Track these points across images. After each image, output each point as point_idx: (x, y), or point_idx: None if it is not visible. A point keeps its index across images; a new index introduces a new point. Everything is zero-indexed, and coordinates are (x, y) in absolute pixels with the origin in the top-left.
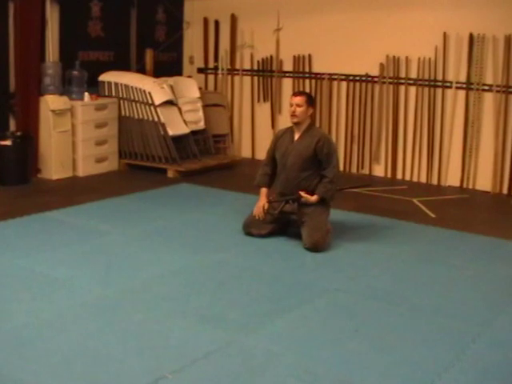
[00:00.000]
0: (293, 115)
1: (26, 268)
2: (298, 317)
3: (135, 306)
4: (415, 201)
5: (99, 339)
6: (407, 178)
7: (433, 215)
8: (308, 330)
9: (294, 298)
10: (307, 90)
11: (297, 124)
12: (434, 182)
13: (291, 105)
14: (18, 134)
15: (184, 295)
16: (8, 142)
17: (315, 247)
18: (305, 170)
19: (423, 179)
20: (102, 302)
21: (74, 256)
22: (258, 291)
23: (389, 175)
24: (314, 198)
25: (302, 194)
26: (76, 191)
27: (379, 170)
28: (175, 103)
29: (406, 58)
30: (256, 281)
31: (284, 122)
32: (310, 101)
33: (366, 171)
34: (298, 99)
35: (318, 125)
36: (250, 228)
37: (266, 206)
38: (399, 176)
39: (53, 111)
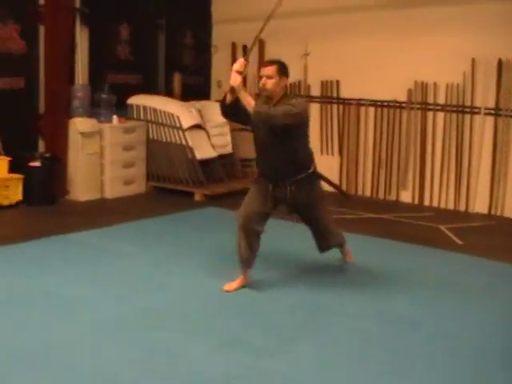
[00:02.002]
0: (263, 88)
1: (50, 288)
2: (318, 342)
3: (155, 328)
4: (442, 227)
5: (118, 360)
6: (435, 204)
7: (460, 242)
8: (328, 356)
9: (316, 323)
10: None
11: (269, 98)
12: (462, 208)
13: (260, 77)
14: (47, 155)
15: (205, 318)
16: (37, 163)
17: (331, 248)
18: (283, 146)
19: (451, 206)
20: (121, 323)
21: (96, 277)
22: (279, 316)
23: (416, 201)
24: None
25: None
26: (103, 213)
27: (406, 196)
28: (203, 127)
29: (434, 83)
30: (277, 305)
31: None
32: (283, 70)
33: (393, 197)
34: (268, 70)
35: (345, 150)
36: (249, 221)
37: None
38: (426, 202)
39: (81, 133)
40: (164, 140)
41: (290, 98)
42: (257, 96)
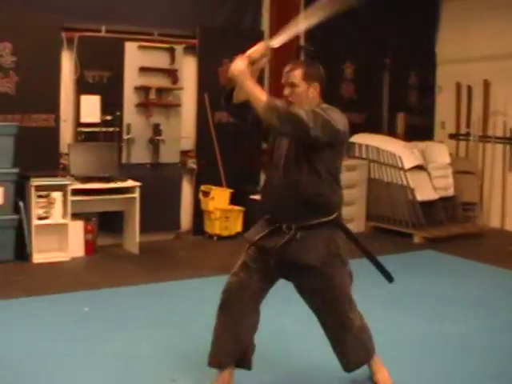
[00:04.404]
0: (286, 100)
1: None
2: None
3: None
4: None
5: None
6: None
7: None
8: None
9: None
10: None
11: None
12: None
13: (283, 85)
14: None
15: (417, 363)
16: (258, 197)
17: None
18: (305, 170)
19: None
20: (332, 361)
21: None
22: (504, 370)
23: None
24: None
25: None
26: None
27: None
28: (425, 168)
29: None
30: (500, 358)
31: None
32: (312, 74)
33: None
34: (291, 75)
35: None
36: (231, 297)
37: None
38: None
39: None
40: (385, 179)
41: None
42: None
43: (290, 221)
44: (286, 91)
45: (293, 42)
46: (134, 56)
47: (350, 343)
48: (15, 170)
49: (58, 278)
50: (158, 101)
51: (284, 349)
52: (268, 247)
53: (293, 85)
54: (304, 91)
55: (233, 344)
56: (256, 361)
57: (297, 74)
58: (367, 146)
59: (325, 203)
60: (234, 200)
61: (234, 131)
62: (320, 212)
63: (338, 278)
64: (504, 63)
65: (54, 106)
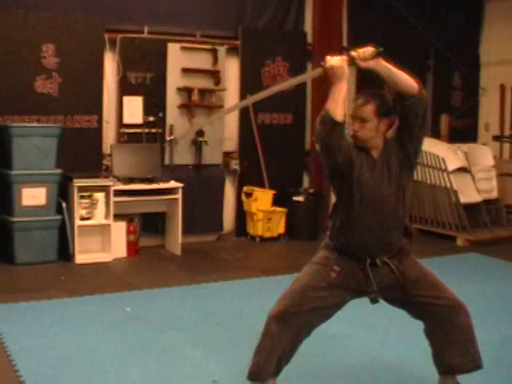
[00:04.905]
0: (355, 136)
1: None
2: None
3: (408, 375)
4: None
5: None
6: None
7: None
8: None
9: None
10: None
11: (364, 143)
12: None
13: (352, 117)
14: (311, 191)
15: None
16: (301, 198)
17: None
18: (402, 197)
19: None
20: (377, 365)
21: (353, 314)
22: None
23: None
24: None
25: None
26: None
27: None
28: (468, 170)
29: None
30: None
31: None
32: (384, 108)
33: None
34: (362, 110)
35: None
36: (295, 317)
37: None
38: None
39: None
40: (428, 182)
41: (391, 139)
42: None
43: (384, 254)
44: (356, 126)
45: (336, 42)
46: (177, 57)
47: (463, 338)
48: (58, 171)
49: (100, 279)
50: (200, 102)
51: (331, 353)
52: (370, 289)
53: (364, 120)
54: (375, 127)
55: (278, 360)
56: (305, 367)
57: (369, 110)
58: None
59: (407, 219)
60: (276, 201)
61: (276, 132)
62: (406, 230)
63: (423, 266)
64: None
65: (96, 107)
